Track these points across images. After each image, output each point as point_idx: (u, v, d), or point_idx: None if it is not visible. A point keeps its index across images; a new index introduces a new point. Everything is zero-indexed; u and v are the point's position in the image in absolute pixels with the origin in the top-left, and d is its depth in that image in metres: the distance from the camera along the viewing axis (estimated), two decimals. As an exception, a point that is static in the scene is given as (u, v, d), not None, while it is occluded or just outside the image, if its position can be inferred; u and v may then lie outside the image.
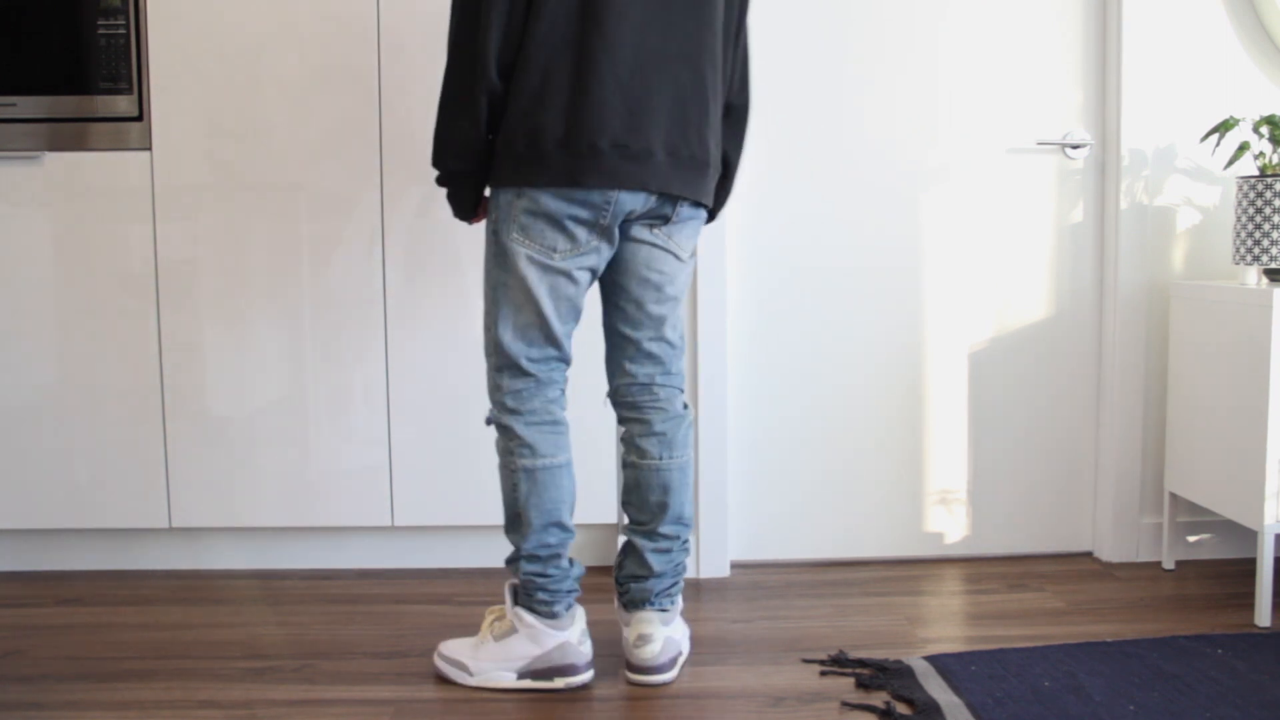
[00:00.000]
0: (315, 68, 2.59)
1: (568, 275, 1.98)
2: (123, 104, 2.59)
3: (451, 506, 2.68)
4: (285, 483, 2.67)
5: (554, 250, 1.95)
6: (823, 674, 2.11)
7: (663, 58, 1.94)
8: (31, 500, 2.67)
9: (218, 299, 2.64)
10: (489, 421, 2.06)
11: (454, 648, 2.11)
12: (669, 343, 2.10)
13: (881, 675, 2.08)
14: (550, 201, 1.92)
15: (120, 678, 2.12)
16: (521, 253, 1.95)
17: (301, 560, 2.77)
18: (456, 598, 2.55)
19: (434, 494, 2.68)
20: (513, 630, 2.06)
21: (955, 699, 1.97)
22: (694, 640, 2.29)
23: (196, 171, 2.61)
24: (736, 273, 2.74)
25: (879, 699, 2.00)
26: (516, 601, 2.07)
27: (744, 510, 2.79)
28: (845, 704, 1.98)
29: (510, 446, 2.03)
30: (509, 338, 2.00)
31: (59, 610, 2.49)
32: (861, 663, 2.14)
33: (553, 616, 2.04)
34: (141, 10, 2.57)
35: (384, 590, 2.61)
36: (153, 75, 2.58)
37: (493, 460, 2.65)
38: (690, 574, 2.71)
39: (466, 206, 2.03)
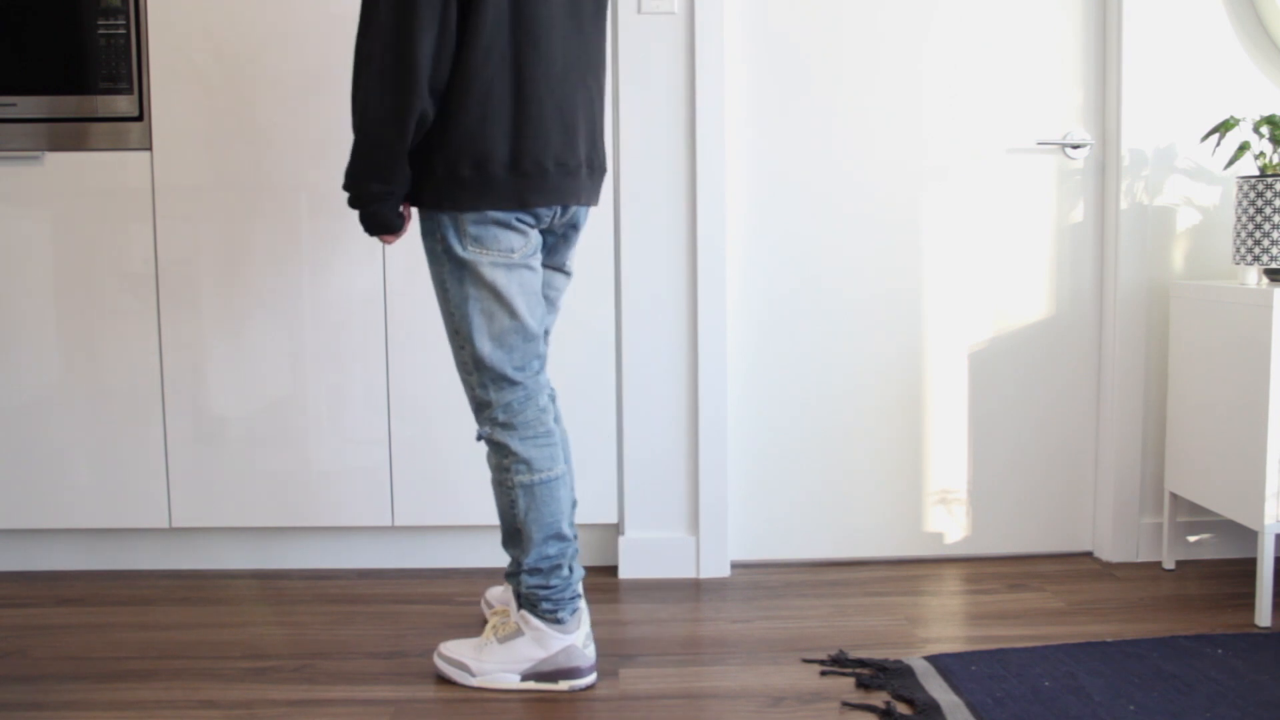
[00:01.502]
0: (315, 68, 2.59)
1: (528, 267, 2.00)
2: (123, 104, 2.59)
3: (451, 506, 2.68)
4: (285, 483, 2.67)
5: (512, 251, 1.97)
6: (823, 674, 2.11)
7: (578, 70, 1.99)
8: (31, 500, 2.67)
9: (218, 299, 2.64)
10: (480, 438, 2.05)
11: (455, 648, 2.11)
12: (547, 344, 2.18)
13: (881, 675, 2.08)
14: (496, 212, 1.94)
15: (120, 678, 2.12)
16: (483, 261, 1.95)
17: (301, 560, 2.77)
18: (456, 598, 2.55)
19: (434, 494, 2.68)
20: (518, 633, 2.06)
21: (955, 699, 1.97)
22: (694, 640, 2.29)
23: (196, 171, 2.61)
24: (737, 272, 2.74)
25: (879, 699, 2.00)
26: (522, 605, 2.08)
27: (744, 510, 2.79)
28: (845, 704, 1.98)
29: (505, 463, 2.02)
30: (488, 350, 1.98)
31: (59, 610, 2.49)
32: (861, 663, 2.14)
33: (558, 622, 2.05)
34: (141, 10, 2.57)
35: (384, 590, 2.61)
36: (153, 75, 2.58)
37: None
38: (690, 574, 2.71)
39: (393, 221, 1.94)
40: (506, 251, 1.96)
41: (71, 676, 2.12)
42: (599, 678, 2.10)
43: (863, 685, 2.05)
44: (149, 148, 2.61)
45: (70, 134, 2.60)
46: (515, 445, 2.01)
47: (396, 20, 1.79)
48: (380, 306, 2.64)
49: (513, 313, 1.98)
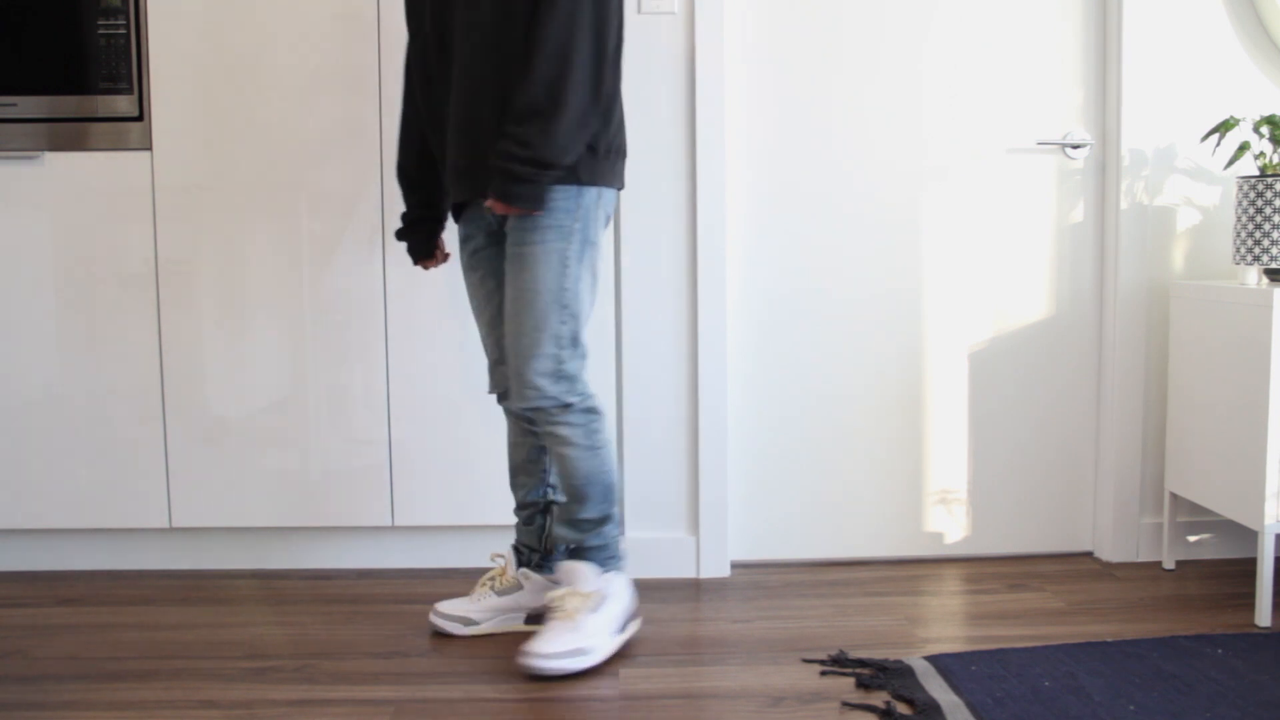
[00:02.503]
0: (315, 68, 2.59)
1: None
2: (123, 104, 2.59)
3: (451, 506, 2.68)
4: (285, 483, 2.67)
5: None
6: (823, 674, 2.11)
7: None
8: (31, 500, 2.67)
9: (218, 299, 2.64)
10: (587, 409, 2.16)
11: (557, 640, 2.11)
12: None
13: (881, 675, 2.08)
14: (613, 201, 2.19)
15: (120, 678, 2.12)
16: (600, 245, 2.17)
17: (301, 560, 2.77)
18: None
19: (434, 494, 2.68)
20: (605, 597, 2.18)
21: (955, 699, 1.97)
22: (694, 640, 2.29)
23: (196, 171, 2.61)
24: (737, 272, 2.74)
25: (879, 699, 2.00)
26: (595, 559, 2.22)
27: (744, 510, 2.79)
28: (845, 704, 1.98)
29: (595, 425, 2.18)
30: (583, 330, 2.15)
31: (59, 610, 2.48)
32: (861, 663, 2.14)
33: (621, 569, 2.26)
34: (141, 10, 2.57)
35: (384, 590, 2.61)
36: (153, 75, 2.58)
37: (491, 459, 2.64)
38: (690, 574, 2.71)
39: (547, 195, 2.08)
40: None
41: (71, 676, 2.12)
42: (598, 676, 2.10)
43: (863, 685, 2.05)
44: (149, 148, 2.60)
45: (70, 134, 2.60)
46: (600, 408, 2.19)
47: (596, 13, 2.00)
48: (380, 306, 2.64)
49: (594, 296, 2.18)
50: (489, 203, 2.04)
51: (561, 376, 2.11)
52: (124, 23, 2.56)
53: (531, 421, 2.25)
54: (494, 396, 2.47)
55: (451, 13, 2.10)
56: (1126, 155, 2.70)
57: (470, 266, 2.26)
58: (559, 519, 2.27)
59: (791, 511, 2.80)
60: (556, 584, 2.29)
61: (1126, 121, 2.69)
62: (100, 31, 2.56)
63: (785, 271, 2.76)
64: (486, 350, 2.30)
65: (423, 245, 2.35)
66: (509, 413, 2.33)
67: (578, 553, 2.23)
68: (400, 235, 2.35)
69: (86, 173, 2.60)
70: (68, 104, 2.59)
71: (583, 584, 2.17)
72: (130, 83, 2.58)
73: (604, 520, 2.21)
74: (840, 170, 2.75)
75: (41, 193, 2.61)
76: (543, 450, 2.32)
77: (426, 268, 2.39)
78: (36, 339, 2.64)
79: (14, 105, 2.58)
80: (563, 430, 2.14)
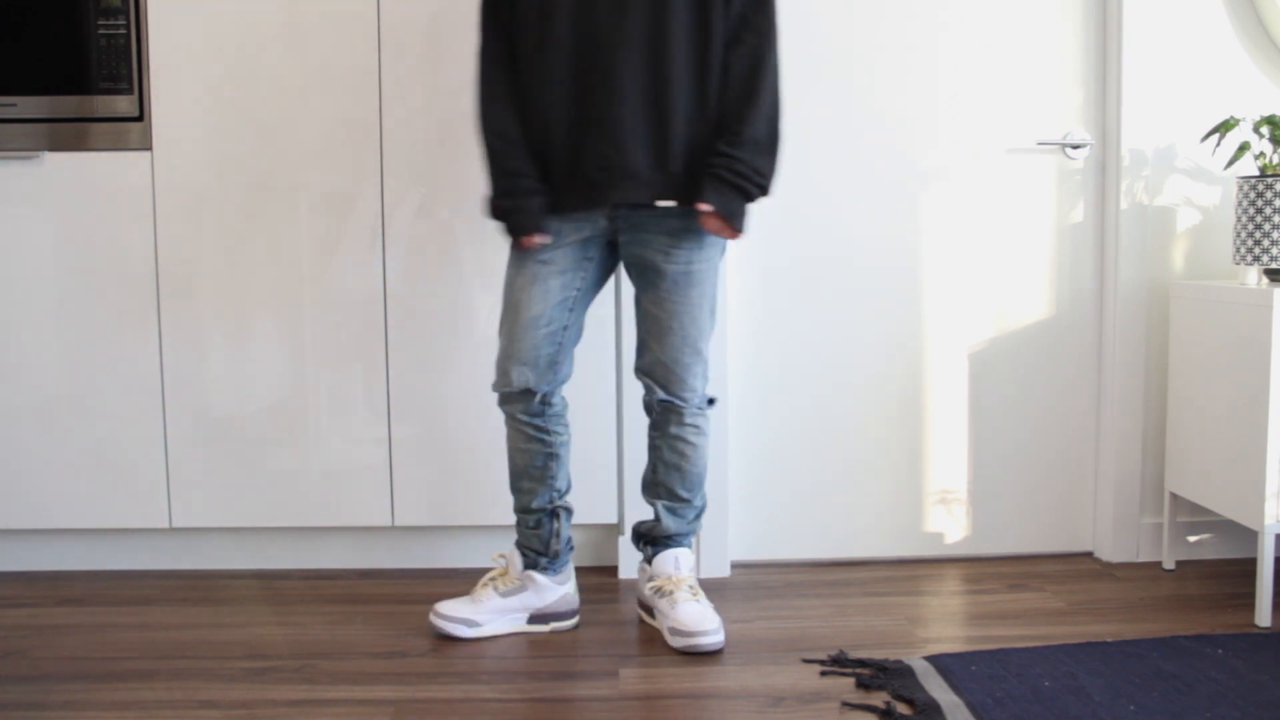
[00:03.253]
0: (315, 67, 2.59)
1: None
2: (123, 104, 2.59)
3: (451, 506, 2.68)
4: (285, 483, 2.67)
5: None
6: (823, 674, 2.11)
7: None
8: (31, 500, 2.67)
9: (218, 299, 2.64)
10: (712, 403, 2.32)
11: (703, 614, 2.24)
12: None
13: (882, 675, 2.08)
14: None
15: (120, 678, 2.12)
16: None
17: (301, 560, 2.77)
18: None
19: (434, 494, 2.68)
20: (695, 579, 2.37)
21: (955, 699, 1.97)
22: (694, 640, 2.29)
23: (196, 171, 2.61)
24: (737, 273, 2.74)
25: (879, 699, 2.00)
26: (684, 544, 2.38)
27: (744, 510, 2.79)
28: (845, 704, 1.98)
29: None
30: None
31: (59, 610, 2.49)
32: (862, 663, 2.14)
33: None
34: (141, 10, 2.57)
35: (384, 590, 2.61)
36: (153, 75, 2.58)
37: (491, 459, 2.64)
38: (690, 574, 2.71)
39: None
40: None
41: (71, 676, 2.12)
42: (597, 676, 2.10)
43: (863, 685, 2.05)
44: (149, 148, 2.60)
45: (70, 134, 2.60)
46: None
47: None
48: (380, 306, 2.64)
49: None
50: (706, 209, 2.12)
51: (707, 375, 2.30)
52: (124, 23, 2.56)
53: (664, 418, 2.29)
54: (490, 397, 2.44)
55: (620, 16, 2.10)
56: (1126, 155, 2.70)
57: (542, 261, 2.21)
58: (672, 513, 2.34)
59: (792, 511, 2.80)
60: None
61: (1126, 121, 2.69)
62: (100, 31, 2.56)
63: (785, 271, 2.76)
64: (520, 345, 2.23)
65: (541, 216, 2.19)
66: (513, 417, 2.30)
67: (672, 540, 2.35)
68: (521, 208, 2.18)
69: (86, 173, 2.60)
70: (68, 104, 2.59)
71: (687, 567, 2.33)
72: (130, 83, 2.58)
73: (704, 507, 2.40)
74: (840, 170, 2.74)
75: (41, 193, 2.61)
76: (550, 456, 2.30)
77: (532, 246, 2.20)
78: (36, 339, 2.64)
79: (14, 105, 2.58)
80: (701, 421, 2.30)
